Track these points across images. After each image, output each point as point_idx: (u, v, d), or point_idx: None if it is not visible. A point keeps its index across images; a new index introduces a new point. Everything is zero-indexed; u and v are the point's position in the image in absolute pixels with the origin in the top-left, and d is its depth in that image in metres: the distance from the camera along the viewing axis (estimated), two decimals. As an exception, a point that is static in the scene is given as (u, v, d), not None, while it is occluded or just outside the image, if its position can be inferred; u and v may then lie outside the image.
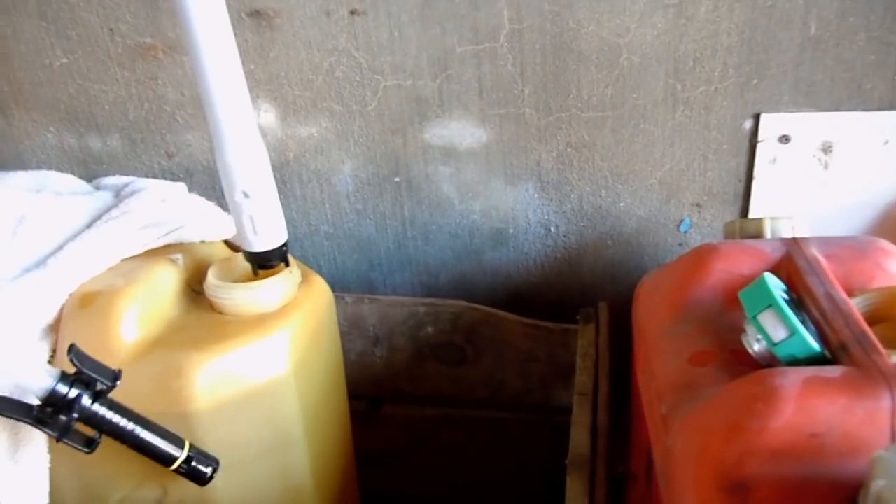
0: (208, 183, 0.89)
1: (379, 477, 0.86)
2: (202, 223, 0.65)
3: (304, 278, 0.65)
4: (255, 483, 0.59)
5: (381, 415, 0.90)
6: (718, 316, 0.59)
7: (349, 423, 0.74)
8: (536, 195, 0.82)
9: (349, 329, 0.84)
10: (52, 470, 0.56)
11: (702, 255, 0.62)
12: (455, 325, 0.82)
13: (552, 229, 0.84)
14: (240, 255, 0.64)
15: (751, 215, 0.81)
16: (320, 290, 0.66)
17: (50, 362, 0.56)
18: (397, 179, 0.84)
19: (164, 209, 0.65)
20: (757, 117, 0.76)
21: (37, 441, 0.54)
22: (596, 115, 0.77)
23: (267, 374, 0.57)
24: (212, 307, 0.61)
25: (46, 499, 0.55)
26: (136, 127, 0.88)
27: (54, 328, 0.56)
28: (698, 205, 0.81)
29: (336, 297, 0.71)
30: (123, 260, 0.61)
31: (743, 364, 0.52)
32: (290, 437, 0.60)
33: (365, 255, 0.90)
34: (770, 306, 0.49)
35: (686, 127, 0.77)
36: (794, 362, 0.48)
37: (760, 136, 0.76)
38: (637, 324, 0.68)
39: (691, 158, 0.78)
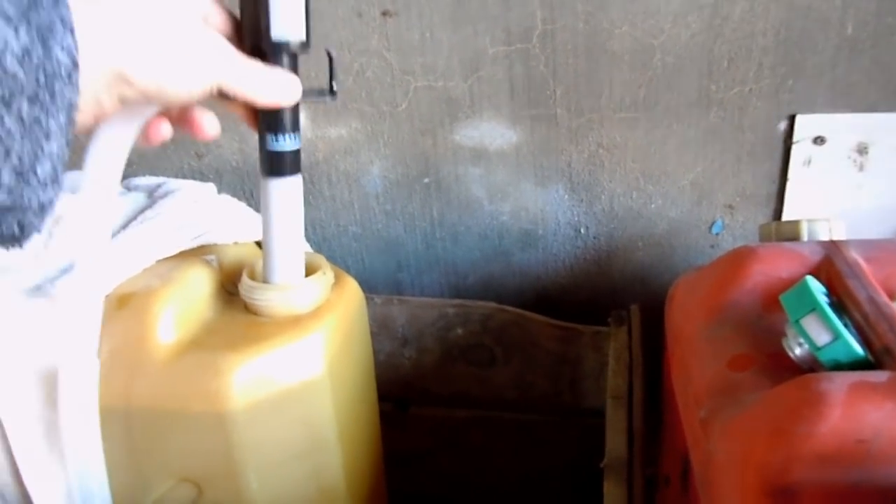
0: (238, 184, 0.89)
1: (405, 478, 0.86)
2: (235, 224, 0.65)
3: (337, 280, 0.65)
4: (289, 484, 0.59)
5: (408, 416, 0.90)
6: (757, 319, 0.58)
7: (379, 424, 0.74)
8: (566, 196, 0.82)
9: (378, 330, 0.84)
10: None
11: (739, 258, 0.61)
12: (485, 326, 0.82)
13: (582, 231, 0.84)
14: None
15: (784, 217, 0.80)
16: (352, 291, 0.66)
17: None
18: (427, 180, 0.84)
19: (197, 210, 0.65)
20: (792, 118, 0.75)
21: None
22: (628, 115, 0.76)
23: (302, 375, 0.57)
24: (246, 308, 0.61)
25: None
26: (166, 127, 0.88)
27: (92, 328, 0.57)
28: (731, 206, 0.80)
29: (365, 299, 0.71)
30: (158, 261, 0.61)
31: (783, 368, 0.51)
32: (323, 438, 0.60)
33: (393, 256, 0.90)
34: (813, 310, 0.49)
35: (719, 128, 0.76)
36: (838, 367, 0.47)
37: (795, 138, 0.76)
38: (671, 326, 0.67)
39: (724, 160, 0.78)
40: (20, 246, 0.35)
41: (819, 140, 0.75)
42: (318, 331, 0.58)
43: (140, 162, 0.91)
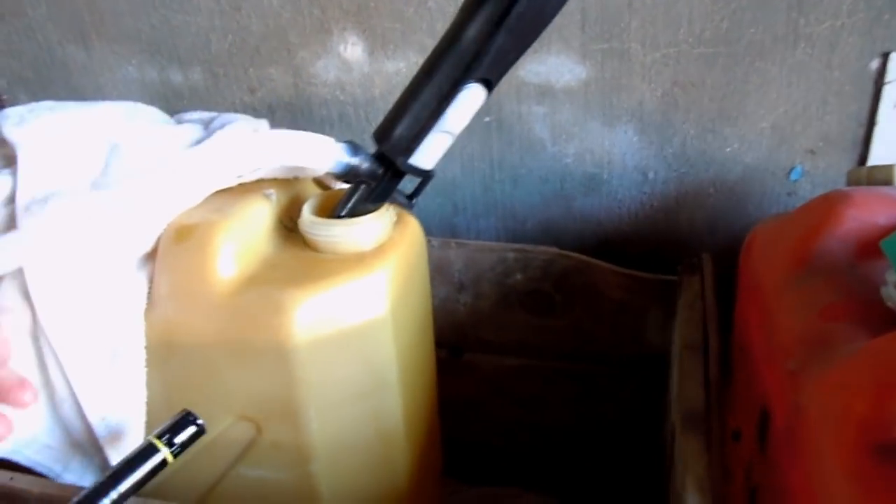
0: (290, 120, 0.87)
1: (457, 426, 0.85)
2: (296, 158, 0.63)
3: (398, 218, 0.63)
4: (349, 425, 0.58)
5: (462, 363, 0.88)
6: (850, 267, 0.54)
7: (435, 369, 0.72)
8: (636, 138, 0.78)
9: (434, 274, 0.81)
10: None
11: (831, 203, 0.57)
12: (545, 272, 0.79)
13: (650, 175, 0.80)
14: (333, 193, 0.62)
15: (869, 163, 0.75)
16: (414, 230, 0.64)
17: (148, 294, 0.54)
18: (487, 119, 0.81)
19: (257, 142, 0.63)
20: (885, 56, 0.69)
21: (135, 348, 0.53)
22: (707, 51, 0.72)
23: (365, 314, 0.55)
24: (305, 244, 0.59)
25: (143, 404, 0.54)
26: (218, 60, 0.85)
27: (151, 258, 0.55)
28: (812, 151, 0.75)
29: (424, 241, 0.69)
30: (216, 193, 0.59)
31: (881, 318, 0.48)
32: (385, 379, 0.58)
33: (449, 198, 0.87)
34: (918, 256, 0.45)
35: (806, 66, 0.71)
36: (944, 316, 0.44)
37: (888, 78, 0.70)
38: (748, 276, 0.64)
39: (809, 101, 0.73)
40: None
41: (914, 80, 0.70)
42: (383, 268, 0.56)
43: (191, 97, 0.89)
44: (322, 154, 0.55)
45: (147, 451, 0.45)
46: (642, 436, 0.84)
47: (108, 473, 0.43)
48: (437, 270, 0.82)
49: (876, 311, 0.49)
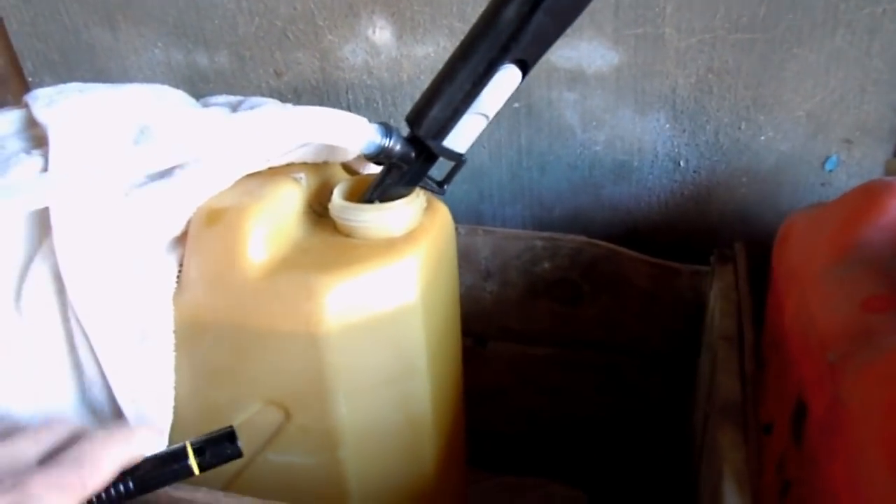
0: (316, 104, 0.85)
1: (481, 415, 0.84)
2: (328, 136, 0.62)
3: (428, 204, 0.62)
4: (378, 411, 0.57)
5: (487, 352, 0.87)
6: (892, 258, 0.53)
7: (461, 357, 0.72)
8: (668, 125, 0.76)
9: (460, 262, 0.80)
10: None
11: (872, 192, 0.56)
12: (573, 261, 0.78)
13: (681, 163, 0.78)
14: (363, 178, 0.61)
15: (908, 155, 0.73)
16: (444, 216, 0.63)
17: (177, 277, 0.54)
18: (517, 105, 0.79)
19: (288, 117, 0.62)
20: (927, 44, 0.68)
21: (164, 330, 0.53)
22: (744, 37, 0.70)
23: (396, 300, 0.54)
24: (336, 229, 0.58)
25: (172, 387, 0.54)
26: (244, 43, 0.85)
27: (181, 242, 0.55)
28: (848, 141, 0.74)
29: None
30: (246, 177, 0.58)
31: (926, 311, 0.47)
32: (414, 366, 0.58)
33: (476, 185, 0.86)
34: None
35: (845, 53, 0.69)
36: None
37: (929, 66, 0.69)
38: (784, 266, 0.62)
39: (847, 89, 0.71)
40: None
41: (957, 69, 0.68)
42: (413, 255, 0.55)
43: (216, 80, 0.89)
44: (354, 133, 0.54)
45: (177, 455, 0.44)
46: (668, 428, 0.83)
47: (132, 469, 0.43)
48: (464, 258, 0.81)
49: (920, 303, 0.47)
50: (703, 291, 0.74)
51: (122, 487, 0.41)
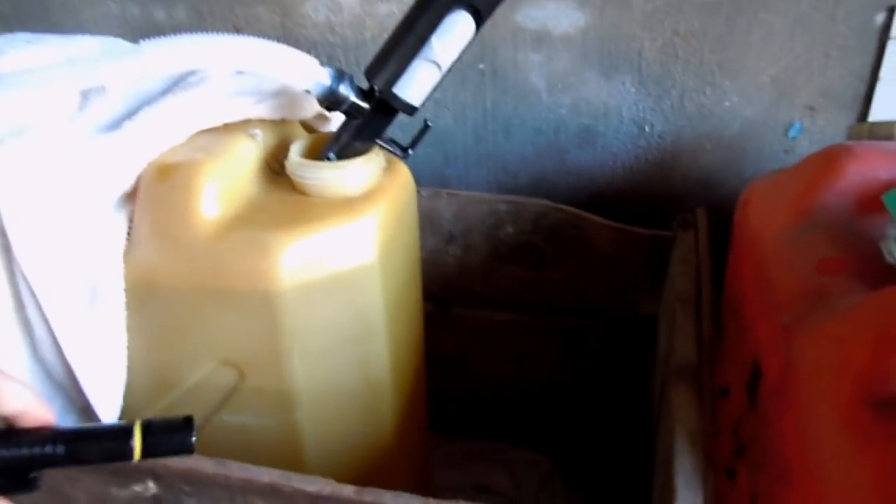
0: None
1: (444, 379, 0.84)
2: (283, 99, 0.61)
3: (388, 164, 0.61)
4: (335, 372, 0.56)
5: (450, 316, 0.87)
6: (849, 222, 0.53)
7: (422, 320, 0.71)
8: (633, 89, 0.76)
9: (423, 225, 0.80)
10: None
11: (833, 157, 0.56)
12: (537, 225, 0.77)
13: (646, 128, 0.78)
14: (321, 136, 0.60)
15: (870, 121, 0.73)
16: (404, 177, 0.62)
17: (127, 234, 0.52)
18: (481, 66, 0.78)
19: (242, 81, 0.60)
20: (891, 10, 0.68)
21: (114, 289, 0.51)
22: (711, 0, 0.69)
23: (353, 259, 0.53)
24: (293, 187, 0.57)
25: (124, 346, 0.53)
26: (203, -2, 0.82)
27: (130, 198, 0.53)
28: (812, 108, 0.74)
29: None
30: (200, 132, 0.56)
31: (879, 272, 0.47)
32: (372, 327, 0.57)
33: (440, 148, 0.85)
34: (921, 211, 0.44)
35: (810, 18, 0.69)
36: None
37: (893, 32, 0.68)
38: (745, 230, 0.63)
39: (811, 55, 0.71)
40: None
41: (920, 36, 0.68)
42: (371, 214, 0.54)
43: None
44: (303, 70, 0.52)
45: (120, 432, 0.37)
46: (630, 391, 0.84)
47: (64, 430, 0.37)
48: (427, 221, 0.80)
49: (874, 265, 0.48)
50: (665, 256, 0.74)
51: (49, 448, 0.37)
